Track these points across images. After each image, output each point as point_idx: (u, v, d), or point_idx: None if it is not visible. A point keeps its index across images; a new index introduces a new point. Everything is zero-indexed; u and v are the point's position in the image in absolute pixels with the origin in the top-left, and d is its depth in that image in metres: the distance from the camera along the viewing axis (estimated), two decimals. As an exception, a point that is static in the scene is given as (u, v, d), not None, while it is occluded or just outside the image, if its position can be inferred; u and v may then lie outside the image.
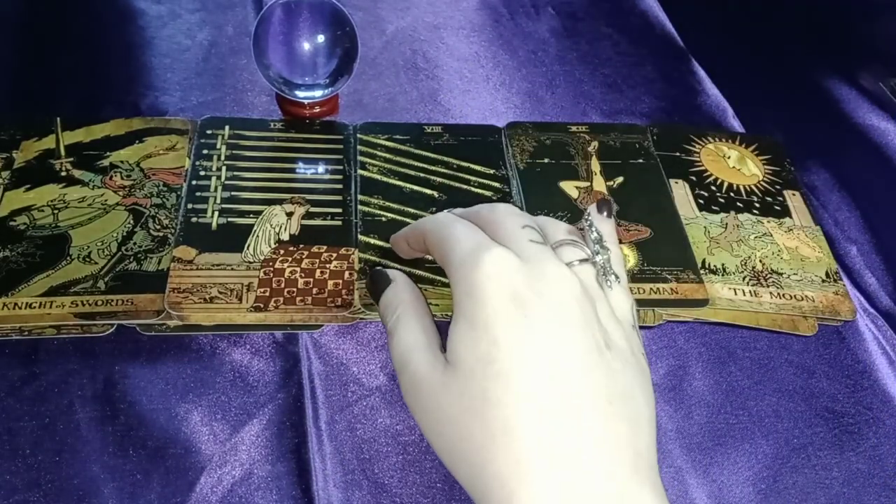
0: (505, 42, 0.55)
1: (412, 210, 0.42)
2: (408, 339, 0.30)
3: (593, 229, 0.31)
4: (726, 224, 0.44)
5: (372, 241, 0.40)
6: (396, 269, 0.38)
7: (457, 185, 0.44)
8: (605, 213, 0.32)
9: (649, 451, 0.26)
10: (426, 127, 0.47)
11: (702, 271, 0.41)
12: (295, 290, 0.37)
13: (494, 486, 0.25)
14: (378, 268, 0.36)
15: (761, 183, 0.46)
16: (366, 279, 0.35)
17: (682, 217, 0.44)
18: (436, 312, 0.38)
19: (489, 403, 0.26)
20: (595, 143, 0.47)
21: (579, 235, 0.32)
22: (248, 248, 0.39)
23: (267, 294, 0.37)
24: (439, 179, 0.44)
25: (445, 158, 0.45)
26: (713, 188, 0.46)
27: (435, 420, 0.27)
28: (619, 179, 0.45)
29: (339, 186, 0.42)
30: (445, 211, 0.34)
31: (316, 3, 0.42)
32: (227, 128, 0.45)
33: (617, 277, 0.30)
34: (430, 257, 0.36)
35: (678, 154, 0.47)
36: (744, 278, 0.41)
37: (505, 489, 0.25)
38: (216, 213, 0.40)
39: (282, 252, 0.39)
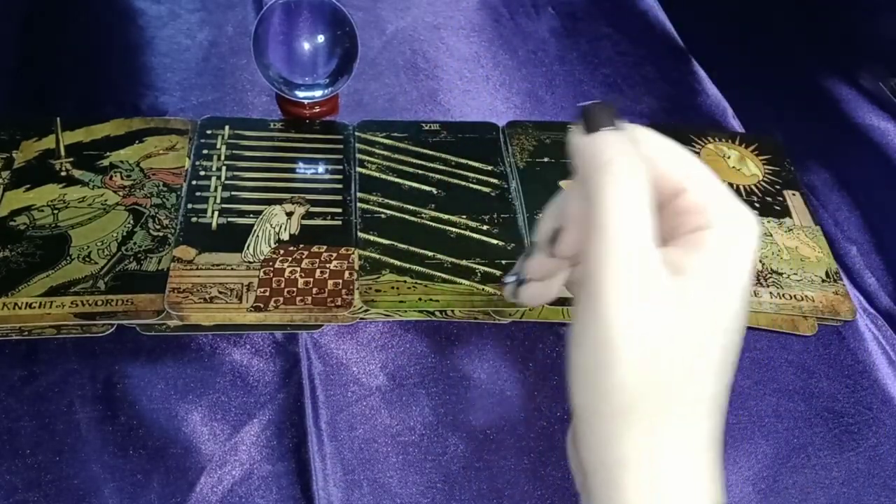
0: (505, 42, 0.55)
1: (411, 207, 0.42)
2: None
3: None
4: (726, 224, 0.44)
5: (371, 238, 0.40)
6: (395, 265, 0.39)
7: (455, 181, 0.44)
8: None
9: None
10: (424, 124, 0.47)
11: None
12: (295, 289, 0.37)
13: None
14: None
15: (761, 183, 0.46)
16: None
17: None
18: (436, 309, 0.38)
19: None
20: (595, 143, 0.47)
21: None
22: (248, 248, 0.39)
23: (267, 294, 0.37)
24: (437, 176, 0.44)
25: (443, 155, 0.45)
26: (713, 188, 0.46)
27: None
28: (619, 179, 0.45)
29: (339, 186, 0.42)
30: None
31: (316, 3, 0.42)
32: (227, 128, 0.45)
33: None
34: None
35: (678, 154, 0.47)
36: (744, 278, 0.41)
37: None
38: (216, 213, 0.40)
39: (282, 252, 0.39)
